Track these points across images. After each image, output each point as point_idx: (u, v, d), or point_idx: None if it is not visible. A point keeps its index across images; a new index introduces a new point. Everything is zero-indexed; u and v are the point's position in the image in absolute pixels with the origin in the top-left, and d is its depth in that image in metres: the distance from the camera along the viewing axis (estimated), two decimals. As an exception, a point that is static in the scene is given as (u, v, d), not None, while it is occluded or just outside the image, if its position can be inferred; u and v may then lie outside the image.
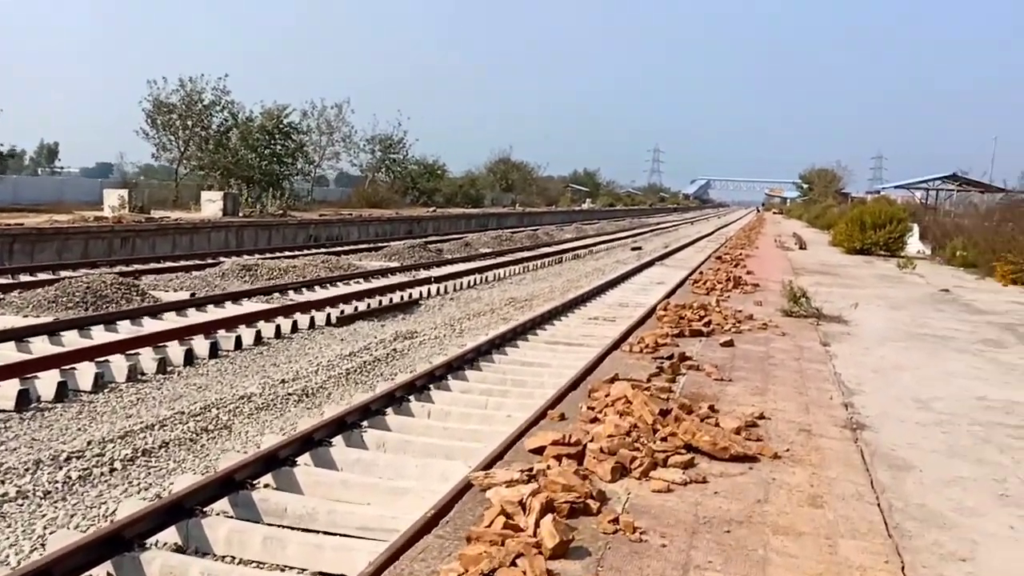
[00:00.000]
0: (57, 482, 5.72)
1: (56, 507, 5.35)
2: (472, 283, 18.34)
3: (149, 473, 6.19)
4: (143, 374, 8.84)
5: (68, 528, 5.10)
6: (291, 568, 4.61)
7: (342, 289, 15.91)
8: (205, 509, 5.03)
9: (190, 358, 9.55)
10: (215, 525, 4.84)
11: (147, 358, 9.19)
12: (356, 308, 13.50)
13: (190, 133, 36.55)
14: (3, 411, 7.19)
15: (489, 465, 4.23)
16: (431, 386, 8.27)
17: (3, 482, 5.63)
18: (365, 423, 6.95)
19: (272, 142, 38.81)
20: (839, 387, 6.36)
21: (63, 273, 15.66)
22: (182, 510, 4.87)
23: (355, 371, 9.64)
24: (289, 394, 8.51)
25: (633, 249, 31.85)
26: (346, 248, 25.34)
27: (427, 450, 6.46)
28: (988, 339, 9.67)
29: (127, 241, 20.93)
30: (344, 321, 12.58)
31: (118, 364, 8.74)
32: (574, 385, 5.60)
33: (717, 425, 4.51)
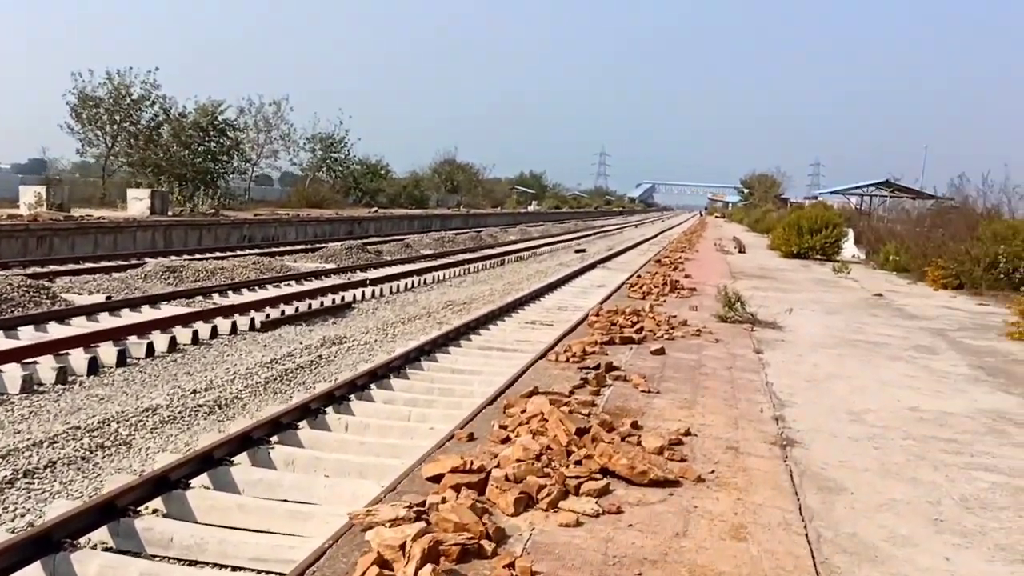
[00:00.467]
0: (-83, 511, 5.14)
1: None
2: (410, 286, 17.88)
3: (29, 497, 5.61)
4: (40, 385, 8.20)
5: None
6: (169, 608, 4.15)
7: (271, 292, 15.29)
8: (78, 541, 4.52)
9: (94, 367, 8.92)
10: (85, 560, 4.33)
11: (47, 367, 8.54)
12: (283, 312, 12.93)
13: (118, 128, 35.15)
14: None
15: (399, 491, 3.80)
16: (351, 396, 7.82)
17: None
18: (274, 438, 6.47)
19: (206, 139, 37.60)
20: (770, 399, 6.09)
21: (-33, 274, 14.73)
22: (50, 543, 4.35)
23: (274, 380, 9.13)
24: (199, 406, 7.97)
25: (577, 252, 31.68)
26: (281, 249, 24.60)
27: (339, 468, 6.02)
28: (920, 345, 9.60)
29: (43, 240, 19.88)
30: (269, 326, 12.01)
31: (11, 374, 8.07)
32: (492, 400, 5.22)
33: (639, 444, 4.17)
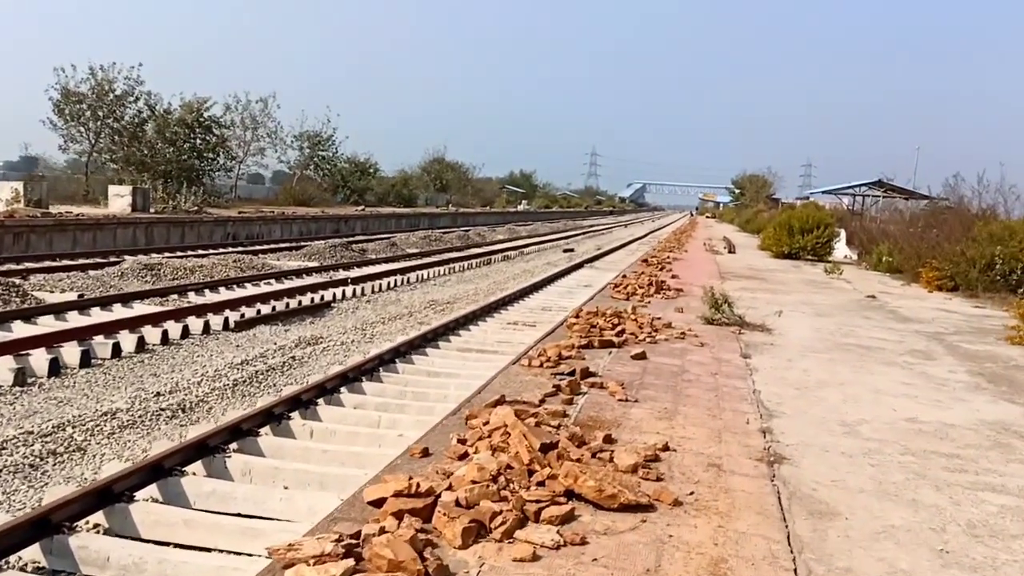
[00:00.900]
0: None
1: None
2: (393, 284, 17.52)
3: (-31, 509, 5.25)
4: (-4, 387, 7.82)
5: None
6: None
7: (249, 290, 14.90)
8: (8, 560, 4.17)
9: (56, 368, 8.54)
10: (9, 583, 3.98)
11: (4, 368, 8.16)
12: (259, 311, 12.55)
13: (101, 124, 34.59)
14: None
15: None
16: (319, 401, 7.46)
17: None
18: (232, 446, 6.11)
19: (192, 136, 37.07)
20: (758, 408, 5.69)
21: (-64, 271, 14.30)
22: (-29, 564, 3.99)
23: (244, 382, 8.77)
24: (161, 410, 7.60)
25: (565, 251, 31.36)
26: (264, 247, 24.20)
27: (299, 478, 5.67)
28: (916, 350, 9.24)
29: (20, 237, 19.41)
30: (243, 326, 11.64)
31: (-34, 376, 7.70)
32: (455, 411, 4.85)
33: (611, 461, 3.78)
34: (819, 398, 6.28)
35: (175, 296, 13.68)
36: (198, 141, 37.45)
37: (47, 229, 20.27)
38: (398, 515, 2.93)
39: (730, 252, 28.24)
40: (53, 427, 6.92)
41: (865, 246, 26.79)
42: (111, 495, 4.93)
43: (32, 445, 6.45)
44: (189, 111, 36.92)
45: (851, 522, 3.60)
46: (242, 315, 12.14)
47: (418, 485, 3.08)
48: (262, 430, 6.52)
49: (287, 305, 13.45)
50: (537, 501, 3.13)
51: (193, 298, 13.74)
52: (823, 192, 46.83)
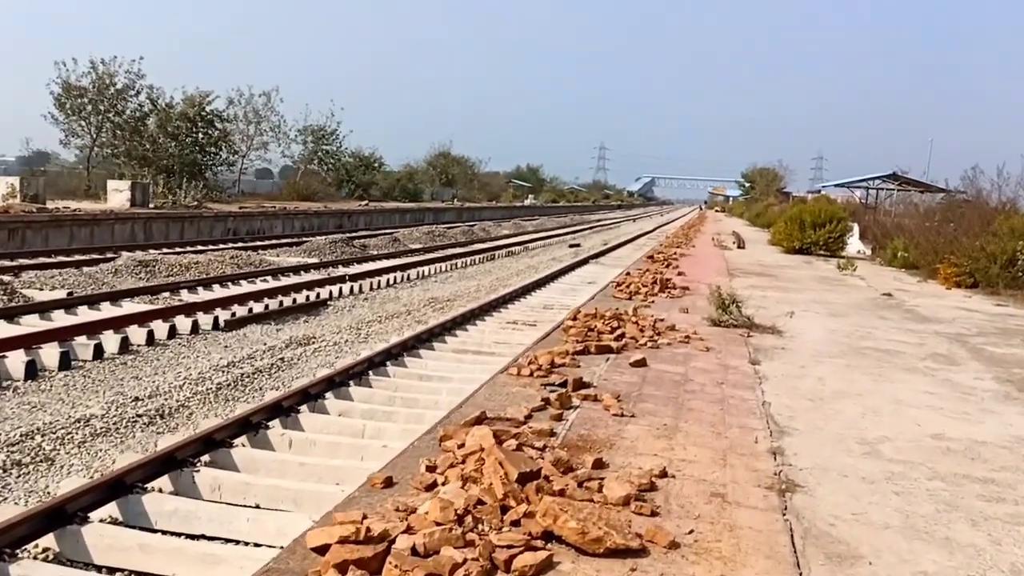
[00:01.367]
0: None
1: None
2: (393, 281, 17.12)
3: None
4: (-35, 392, 7.45)
5: None
6: None
7: (244, 288, 14.53)
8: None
9: (33, 371, 8.17)
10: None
11: (-23, 371, 7.81)
12: (251, 310, 12.17)
13: (102, 119, 34.27)
14: None
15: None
16: (302, 408, 7.05)
17: None
18: (203, 458, 5.72)
19: (194, 130, 36.72)
20: (767, 424, 5.20)
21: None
22: None
23: (228, 385, 8.39)
24: (139, 416, 7.22)
25: (571, 246, 30.92)
26: (265, 243, 23.85)
27: (271, 496, 5.27)
28: (938, 354, 8.70)
29: (15, 233, 19.10)
30: (234, 325, 11.26)
31: (-64, 380, 7.33)
32: (431, 429, 4.40)
33: (600, 491, 3.31)
34: (835, 411, 5.77)
35: (167, 294, 13.31)
36: (200, 135, 37.12)
37: (43, 225, 19.95)
38: (341, 567, 2.49)
39: (739, 247, 27.68)
40: (21, 435, 6.56)
41: (879, 241, 26.18)
42: (63, 515, 4.55)
43: (-5, 455, 6.08)
44: (191, 105, 36.58)
45: (877, 569, 3.06)
46: (233, 314, 11.77)
47: (368, 529, 2.63)
48: (237, 441, 6.12)
49: (281, 303, 13.07)
50: (509, 546, 2.68)
51: (185, 296, 13.37)
52: (835, 185, 46.07)
